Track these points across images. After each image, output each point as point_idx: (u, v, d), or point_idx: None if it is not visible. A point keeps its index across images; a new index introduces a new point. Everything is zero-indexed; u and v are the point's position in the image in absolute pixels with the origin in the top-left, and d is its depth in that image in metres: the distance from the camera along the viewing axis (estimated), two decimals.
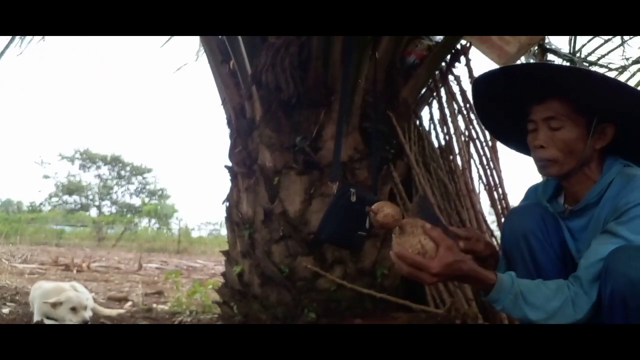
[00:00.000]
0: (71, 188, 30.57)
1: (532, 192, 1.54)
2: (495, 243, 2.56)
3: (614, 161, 1.33)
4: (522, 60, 3.81)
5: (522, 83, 1.35)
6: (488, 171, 2.74)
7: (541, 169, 1.36)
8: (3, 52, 3.25)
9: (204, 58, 2.99)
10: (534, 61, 3.77)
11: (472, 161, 2.78)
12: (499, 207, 2.68)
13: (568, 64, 3.70)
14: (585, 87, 1.28)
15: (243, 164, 2.67)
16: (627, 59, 3.35)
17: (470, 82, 2.88)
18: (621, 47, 3.38)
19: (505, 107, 1.46)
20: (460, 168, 2.72)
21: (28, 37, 3.32)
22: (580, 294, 1.18)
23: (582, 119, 1.29)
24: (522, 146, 1.45)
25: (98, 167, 31.95)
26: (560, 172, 1.33)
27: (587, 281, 1.19)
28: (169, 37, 3.70)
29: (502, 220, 2.50)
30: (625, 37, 3.31)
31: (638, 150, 1.38)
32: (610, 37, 3.39)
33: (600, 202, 1.30)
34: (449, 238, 1.20)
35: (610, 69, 3.61)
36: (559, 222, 1.40)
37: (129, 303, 3.89)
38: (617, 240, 1.18)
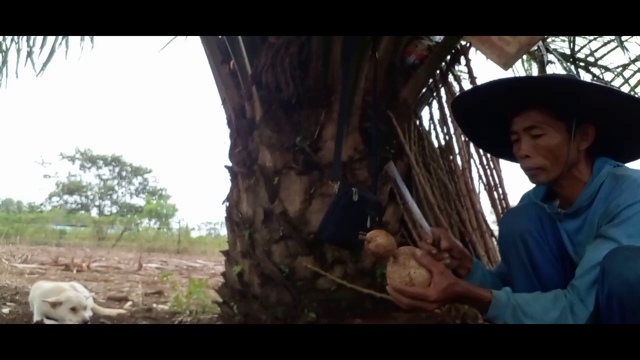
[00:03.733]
0: (72, 188, 30.61)
1: (527, 197, 1.55)
2: (495, 243, 2.56)
3: (603, 162, 1.34)
4: (522, 60, 3.82)
5: (497, 99, 1.37)
6: (488, 171, 2.74)
7: (530, 177, 1.38)
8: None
9: (204, 58, 2.99)
10: (534, 61, 3.77)
11: (472, 161, 2.78)
12: (499, 207, 2.68)
13: (565, 67, 3.70)
14: (558, 94, 1.29)
15: (243, 164, 2.67)
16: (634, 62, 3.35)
17: (470, 82, 2.88)
18: (621, 47, 3.37)
19: (488, 124, 1.47)
20: (460, 168, 2.72)
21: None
22: (577, 303, 1.18)
23: (562, 123, 1.30)
24: (513, 156, 1.47)
25: (99, 167, 32.01)
26: (549, 179, 1.34)
27: (583, 289, 1.19)
28: (169, 37, 3.70)
29: None
30: (624, 38, 3.30)
31: (624, 149, 1.39)
32: (610, 37, 3.39)
33: (593, 204, 1.30)
34: (439, 263, 1.24)
35: (608, 69, 3.60)
36: (555, 222, 1.40)
37: (129, 303, 3.89)
38: (611, 244, 1.18)
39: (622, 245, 1.16)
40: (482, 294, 1.23)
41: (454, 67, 2.93)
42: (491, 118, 1.44)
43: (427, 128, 2.86)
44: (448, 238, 1.43)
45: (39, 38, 3.36)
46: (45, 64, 3.38)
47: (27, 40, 3.35)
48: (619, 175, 1.28)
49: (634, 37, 3.27)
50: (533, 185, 1.52)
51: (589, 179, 1.33)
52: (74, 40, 3.51)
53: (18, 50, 3.37)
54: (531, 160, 1.33)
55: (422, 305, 1.20)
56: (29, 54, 3.36)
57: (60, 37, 3.37)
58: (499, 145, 1.51)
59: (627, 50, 3.35)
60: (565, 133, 1.30)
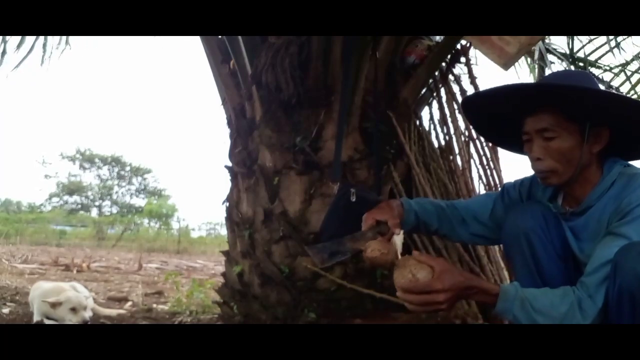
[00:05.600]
0: (72, 188, 30.62)
1: (536, 182, 1.53)
2: None
3: (613, 162, 1.33)
4: (523, 60, 3.82)
5: (511, 102, 1.37)
6: (488, 171, 2.74)
7: (542, 180, 1.37)
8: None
9: (204, 58, 2.99)
10: (534, 62, 3.77)
11: (472, 161, 2.78)
12: None
13: (567, 66, 3.70)
14: (575, 101, 1.28)
15: (243, 164, 2.67)
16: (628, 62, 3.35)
17: (470, 82, 2.88)
18: (617, 48, 3.37)
19: (499, 123, 1.47)
20: (460, 168, 2.72)
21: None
22: (585, 298, 1.17)
23: (575, 126, 1.29)
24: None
25: (99, 168, 32.02)
26: (561, 182, 1.34)
27: (592, 285, 1.18)
28: (169, 37, 3.69)
29: None
30: (620, 38, 3.31)
31: (635, 149, 1.39)
32: (610, 37, 3.39)
33: (602, 201, 1.30)
34: (438, 258, 1.25)
35: (607, 70, 3.61)
36: (560, 220, 1.40)
37: (129, 303, 3.89)
38: (621, 242, 1.18)
39: (635, 241, 1.16)
40: (489, 285, 1.23)
41: (454, 67, 2.93)
42: (502, 116, 1.43)
43: (427, 128, 2.86)
44: (379, 214, 1.43)
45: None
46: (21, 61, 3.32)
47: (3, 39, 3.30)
48: (631, 173, 1.29)
49: (632, 36, 3.28)
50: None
51: (599, 179, 1.33)
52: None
53: None
54: (543, 162, 1.32)
55: (432, 299, 1.17)
56: (3, 53, 3.31)
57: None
58: (511, 141, 1.51)
59: (623, 50, 3.35)
60: (578, 135, 1.29)
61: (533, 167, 1.36)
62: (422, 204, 1.60)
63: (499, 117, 1.45)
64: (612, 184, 1.30)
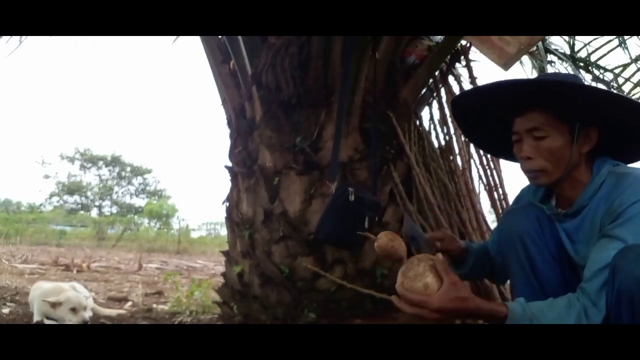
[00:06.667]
0: (72, 188, 30.65)
1: (526, 192, 1.55)
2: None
3: (602, 162, 1.33)
4: (523, 60, 3.82)
5: (499, 100, 1.36)
6: (488, 171, 2.74)
7: (531, 179, 1.37)
8: None
9: (204, 58, 2.99)
10: (534, 62, 3.77)
11: (472, 161, 2.78)
12: (499, 207, 2.68)
13: (566, 67, 3.70)
14: (564, 98, 1.28)
15: (243, 164, 2.67)
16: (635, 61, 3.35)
17: (470, 82, 2.88)
18: (622, 46, 3.37)
19: (488, 123, 1.47)
20: (460, 168, 2.71)
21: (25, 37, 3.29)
22: (590, 306, 1.16)
23: (565, 126, 1.29)
24: (512, 156, 1.47)
25: (99, 168, 32.06)
26: (550, 181, 1.34)
27: (594, 292, 1.17)
28: (170, 37, 3.69)
29: None
30: (624, 37, 3.31)
31: (625, 151, 1.39)
32: (610, 37, 3.39)
33: (593, 202, 1.30)
34: (452, 273, 1.20)
35: (607, 70, 3.60)
36: (554, 223, 1.39)
37: (129, 303, 3.89)
38: (617, 244, 1.17)
39: (632, 244, 1.15)
40: (497, 309, 1.19)
41: (454, 67, 2.93)
42: (491, 117, 1.43)
43: (427, 128, 2.86)
44: (444, 243, 1.47)
45: None
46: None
47: None
48: (621, 173, 1.28)
49: (633, 36, 3.28)
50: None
51: (589, 179, 1.33)
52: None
53: None
54: (533, 162, 1.32)
55: (422, 314, 1.16)
56: None
57: None
58: (499, 145, 1.51)
59: (627, 49, 3.35)
60: (567, 135, 1.29)
61: (522, 167, 1.36)
62: (474, 245, 1.61)
63: (488, 118, 1.45)
64: (602, 183, 1.29)
